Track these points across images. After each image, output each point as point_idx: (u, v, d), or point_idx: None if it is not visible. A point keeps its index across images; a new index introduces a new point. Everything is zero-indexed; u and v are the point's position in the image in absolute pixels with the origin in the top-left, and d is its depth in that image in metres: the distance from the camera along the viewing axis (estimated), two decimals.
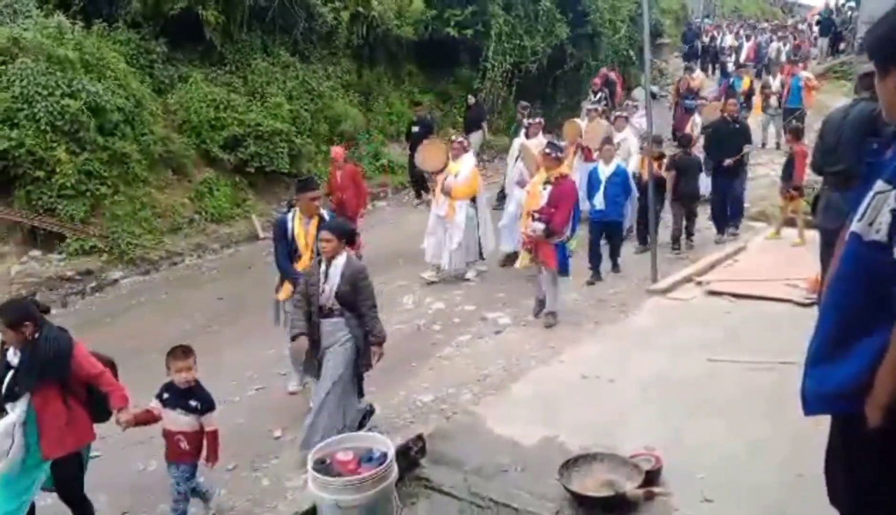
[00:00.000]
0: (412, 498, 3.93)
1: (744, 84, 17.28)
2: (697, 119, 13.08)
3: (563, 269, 7.31)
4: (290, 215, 6.08)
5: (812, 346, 2.17)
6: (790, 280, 6.73)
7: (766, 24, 32.11)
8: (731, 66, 21.90)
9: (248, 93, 12.93)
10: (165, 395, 4.19)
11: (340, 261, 5.00)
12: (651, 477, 3.75)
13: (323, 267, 5.03)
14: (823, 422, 2.21)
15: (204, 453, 4.20)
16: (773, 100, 15.62)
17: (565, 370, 5.48)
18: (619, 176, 8.78)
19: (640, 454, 3.94)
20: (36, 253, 9.61)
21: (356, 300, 4.99)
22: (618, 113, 11.87)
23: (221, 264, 10.28)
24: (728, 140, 9.72)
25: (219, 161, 12.04)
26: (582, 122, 11.60)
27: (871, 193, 2.02)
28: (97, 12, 11.53)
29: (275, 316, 6.27)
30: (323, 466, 3.59)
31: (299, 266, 5.82)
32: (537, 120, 10.74)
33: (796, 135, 9.20)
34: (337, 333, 5.02)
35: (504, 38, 17.05)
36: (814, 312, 2.19)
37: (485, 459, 4.16)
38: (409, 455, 4.08)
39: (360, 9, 14.92)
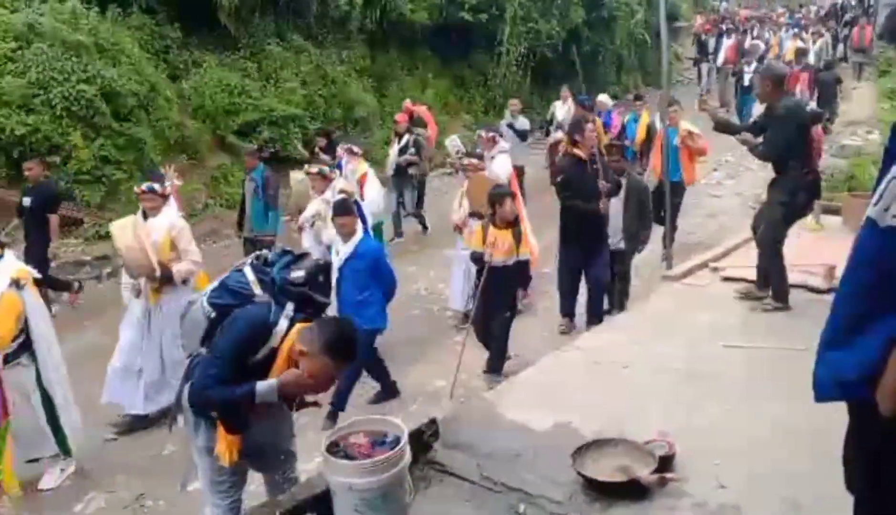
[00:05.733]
0: (425, 482, 3.94)
1: (639, 129, 10.69)
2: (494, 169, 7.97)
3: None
4: (279, 317, 3.21)
5: (825, 332, 2.15)
6: (807, 266, 6.66)
7: (780, 11, 29.31)
8: (746, 78, 15.56)
9: (263, 78, 12.96)
10: None
11: None
12: (665, 463, 3.74)
13: None
14: (841, 409, 2.19)
15: None
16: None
17: (579, 356, 5.46)
18: (363, 259, 5.86)
19: (654, 440, 3.92)
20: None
21: None
22: (314, 169, 7.64)
23: (236, 250, 10.34)
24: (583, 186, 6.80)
25: (233, 147, 12.07)
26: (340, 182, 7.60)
27: (887, 178, 1.98)
28: None
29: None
30: (337, 449, 3.60)
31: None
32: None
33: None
34: None
35: (518, 21, 16.97)
36: (829, 298, 2.17)
37: (498, 444, 4.16)
38: (423, 440, 4.08)
39: None
